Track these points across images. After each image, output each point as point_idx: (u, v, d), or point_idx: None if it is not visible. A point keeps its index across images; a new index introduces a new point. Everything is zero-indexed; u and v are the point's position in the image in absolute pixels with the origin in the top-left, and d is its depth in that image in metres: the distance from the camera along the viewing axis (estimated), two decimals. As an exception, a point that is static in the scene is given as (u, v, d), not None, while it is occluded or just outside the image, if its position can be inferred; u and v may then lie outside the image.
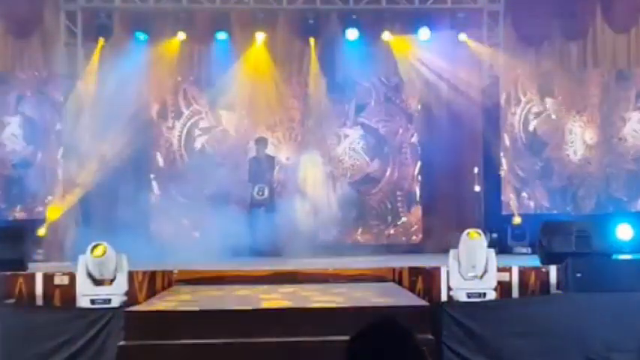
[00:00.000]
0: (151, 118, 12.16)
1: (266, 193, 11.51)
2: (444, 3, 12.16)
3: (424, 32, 11.94)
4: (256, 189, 11.52)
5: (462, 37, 11.97)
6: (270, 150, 12.00)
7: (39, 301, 7.75)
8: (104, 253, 7.27)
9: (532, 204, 11.72)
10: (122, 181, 11.05)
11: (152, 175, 12.08)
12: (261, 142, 11.89)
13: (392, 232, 12.30)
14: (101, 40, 11.63)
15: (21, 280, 7.78)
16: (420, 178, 12.32)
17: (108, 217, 10.89)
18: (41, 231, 10.66)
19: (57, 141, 11.35)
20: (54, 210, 11.01)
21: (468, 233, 7.52)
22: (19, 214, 11.16)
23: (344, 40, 12.00)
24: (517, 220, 11.27)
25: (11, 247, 8.09)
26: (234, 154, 12.11)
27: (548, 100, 11.82)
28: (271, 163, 11.87)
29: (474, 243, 7.47)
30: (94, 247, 7.31)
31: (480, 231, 7.65)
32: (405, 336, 2.60)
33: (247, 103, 12.16)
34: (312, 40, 12.02)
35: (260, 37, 11.96)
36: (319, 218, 11.32)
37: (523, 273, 7.98)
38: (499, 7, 12.26)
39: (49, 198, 11.14)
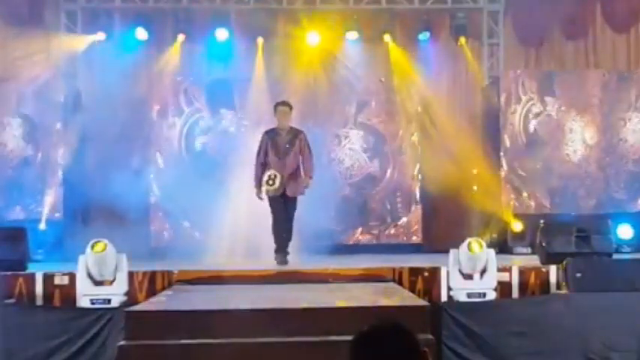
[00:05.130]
0: (150, 117, 12.15)
1: (277, 182, 8.94)
2: (444, 3, 12.18)
3: (424, 32, 11.96)
4: (266, 176, 9.00)
5: (462, 40, 12.00)
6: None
7: (39, 301, 7.76)
8: (104, 249, 7.30)
9: (532, 204, 11.70)
10: (122, 179, 11.01)
11: (152, 175, 12.06)
12: (282, 107, 9.23)
13: (392, 232, 12.29)
14: (100, 34, 11.66)
15: (21, 280, 7.79)
16: (420, 178, 12.31)
17: (107, 216, 10.88)
18: (41, 226, 10.69)
19: (57, 141, 11.33)
20: (52, 208, 11.04)
21: (469, 243, 7.50)
22: (18, 214, 11.14)
23: (344, 40, 12.01)
24: (517, 227, 11.25)
25: (11, 247, 8.11)
26: (235, 154, 12.07)
27: (548, 100, 11.80)
28: (295, 139, 9.20)
29: (474, 255, 7.46)
30: (95, 243, 7.34)
31: (480, 240, 7.63)
32: (408, 337, 2.60)
33: (247, 103, 12.14)
34: (312, 40, 12.00)
35: (260, 36, 11.97)
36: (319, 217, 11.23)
37: (523, 273, 7.99)
38: (499, 7, 12.29)
39: (49, 197, 11.11)
